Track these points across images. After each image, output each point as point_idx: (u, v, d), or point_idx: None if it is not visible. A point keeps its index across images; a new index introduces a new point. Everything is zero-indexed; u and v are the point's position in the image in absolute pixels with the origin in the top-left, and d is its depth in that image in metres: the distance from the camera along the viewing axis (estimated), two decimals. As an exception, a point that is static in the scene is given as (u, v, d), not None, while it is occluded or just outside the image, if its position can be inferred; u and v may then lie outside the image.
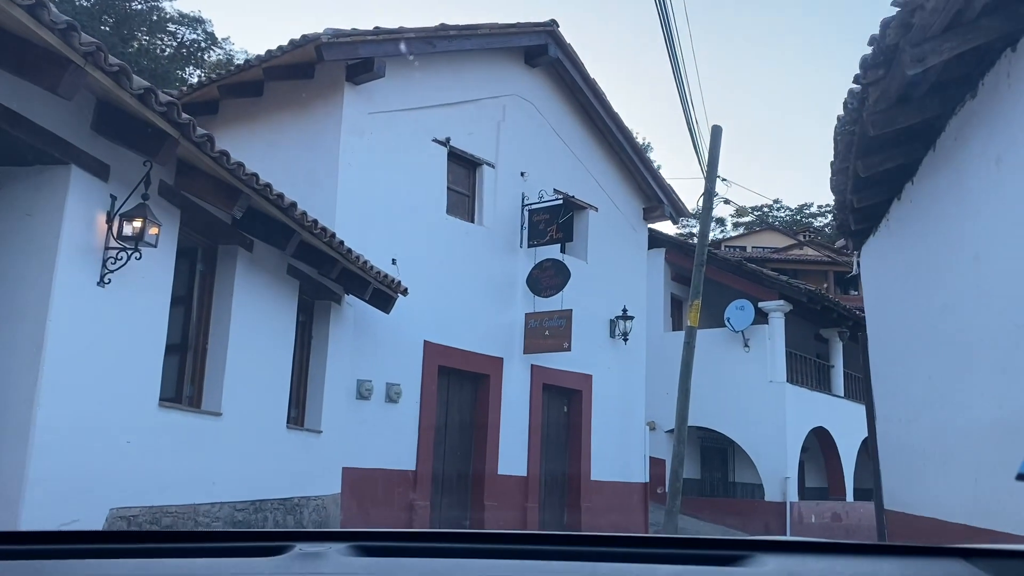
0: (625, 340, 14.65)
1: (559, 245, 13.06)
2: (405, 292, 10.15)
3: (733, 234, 45.86)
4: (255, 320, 7.99)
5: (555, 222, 12.79)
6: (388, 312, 10.29)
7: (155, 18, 28.11)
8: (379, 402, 10.83)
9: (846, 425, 20.49)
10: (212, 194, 6.56)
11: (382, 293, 9.99)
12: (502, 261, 12.86)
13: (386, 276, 9.52)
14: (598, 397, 14.25)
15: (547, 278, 12.78)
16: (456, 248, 12.13)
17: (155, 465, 6.68)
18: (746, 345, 18.58)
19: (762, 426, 18.01)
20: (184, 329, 7.60)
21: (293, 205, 7.08)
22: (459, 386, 12.26)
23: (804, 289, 17.93)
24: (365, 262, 8.88)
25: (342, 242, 8.17)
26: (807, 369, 19.62)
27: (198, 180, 6.58)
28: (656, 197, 15.67)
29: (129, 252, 5.89)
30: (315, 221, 7.50)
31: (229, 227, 7.56)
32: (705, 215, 14.59)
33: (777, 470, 17.79)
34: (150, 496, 6.78)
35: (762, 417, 18.05)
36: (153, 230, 5.98)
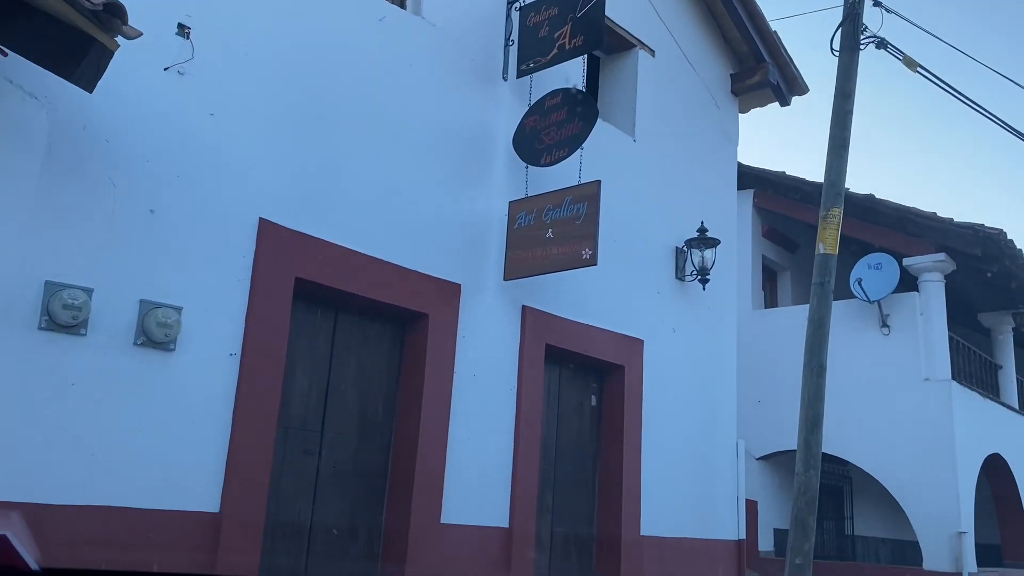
0: (703, 283, 7.87)
1: (580, 60, 6.47)
2: (122, 24, 3.61)
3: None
4: None
5: (569, 18, 6.18)
6: (88, 87, 3.78)
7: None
8: (116, 343, 4.27)
9: (1027, 453, 13.25)
10: None
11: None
12: (464, 96, 6.29)
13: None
14: (654, 381, 7.49)
15: (551, 127, 6.14)
16: (360, 49, 5.63)
17: None
18: (884, 324, 11.56)
19: (915, 450, 10.93)
20: None
21: None
22: (354, 333, 5.64)
23: (982, 232, 10.90)
24: None
25: None
26: (973, 366, 12.49)
27: None
28: (755, 53, 8.95)
29: None
30: None
31: None
32: (846, 55, 7.76)
33: (943, 520, 10.62)
34: None
35: (914, 435, 10.97)
36: None
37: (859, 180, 64.10)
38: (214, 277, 4.64)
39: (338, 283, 5.23)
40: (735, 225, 8.72)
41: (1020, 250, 11.30)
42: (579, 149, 5.90)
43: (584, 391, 7.13)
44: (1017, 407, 13.46)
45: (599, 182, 5.73)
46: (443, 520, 5.58)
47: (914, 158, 47.08)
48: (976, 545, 11.14)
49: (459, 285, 5.95)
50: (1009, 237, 11.03)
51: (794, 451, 7.04)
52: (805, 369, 7.25)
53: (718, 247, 7.83)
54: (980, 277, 12.05)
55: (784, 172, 12.90)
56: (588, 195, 5.74)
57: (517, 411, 6.21)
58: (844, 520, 13.39)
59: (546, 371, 6.61)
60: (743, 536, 8.06)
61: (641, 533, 7.01)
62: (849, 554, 13.06)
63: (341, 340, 5.47)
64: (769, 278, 13.76)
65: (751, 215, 13.17)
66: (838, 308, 10.95)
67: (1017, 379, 13.90)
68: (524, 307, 6.40)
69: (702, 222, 7.85)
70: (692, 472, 7.70)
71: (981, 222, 10.87)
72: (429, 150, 5.92)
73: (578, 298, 6.81)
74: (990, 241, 10.95)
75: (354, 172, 5.41)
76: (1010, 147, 48.26)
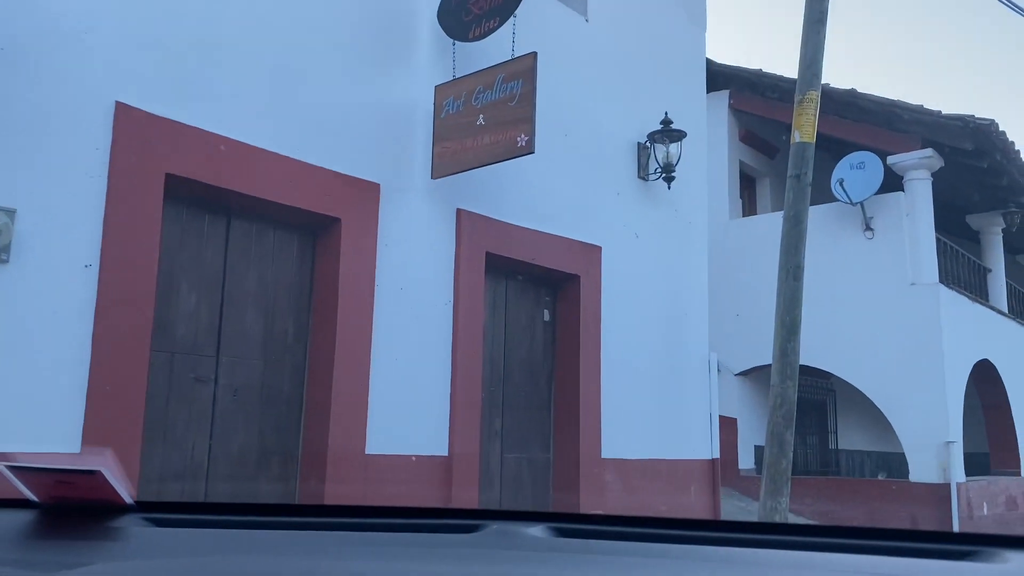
0: (667, 181, 7.08)
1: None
2: None
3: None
4: None
5: None
6: None
7: None
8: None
9: (1019, 359, 12.74)
10: None
11: None
12: (376, -37, 5.38)
13: None
14: (615, 292, 6.77)
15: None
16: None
17: None
18: (868, 227, 10.85)
19: (901, 358, 10.34)
20: None
21: None
22: (252, 241, 4.84)
23: (972, 123, 10.10)
24: None
25: None
26: (961, 269, 11.85)
27: None
28: (721, -77, 7.97)
29: None
30: None
31: None
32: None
33: (930, 430, 10.10)
34: None
35: (899, 343, 10.37)
36: None
37: (839, 75, 62.12)
38: (58, 173, 3.82)
39: (225, 182, 4.42)
40: (704, 117, 7.88)
41: (1013, 142, 10.53)
42: (512, 17, 5.03)
43: (535, 305, 6.40)
44: (1007, 311, 12.89)
45: (535, 54, 4.88)
46: (368, 451, 4.89)
47: (897, 48, 45.30)
48: (964, 454, 10.67)
49: (378, 185, 5.15)
50: (1001, 128, 10.26)
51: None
52: (781, 272, 6.55)
53: (684, 140, 7.02)
54: (969, 175, 11.32)
55: (761, 70, 12.00)
56: (523, 70, 4.90)
57: (454, 328, 5.49)
58: (828, 435, 12.92)
59: (489, 283, 5.86)
60: (717, 455, 7.47)
61: (602, 456, 6.38)
62: (834, 469, 12.62)
63: (237, 249, 4.68)
64: (747, 185, 12.98)
65: (727, 118, 12.33)
66: (818, 212, 10.18)
67: (1007, 282, 13.31)
68: (459, 210, 5.61)
69: (666, 113, 7.02)
70: (659, 389, 7.05)
71: (971, 113, 10.02)
72: (336, 24, 5.05)
73: (525, 200, 6.03)
74: (981, 133, 10.17)
75: (239, 47, 4.55)
76: (1003, 27, 46.32)
